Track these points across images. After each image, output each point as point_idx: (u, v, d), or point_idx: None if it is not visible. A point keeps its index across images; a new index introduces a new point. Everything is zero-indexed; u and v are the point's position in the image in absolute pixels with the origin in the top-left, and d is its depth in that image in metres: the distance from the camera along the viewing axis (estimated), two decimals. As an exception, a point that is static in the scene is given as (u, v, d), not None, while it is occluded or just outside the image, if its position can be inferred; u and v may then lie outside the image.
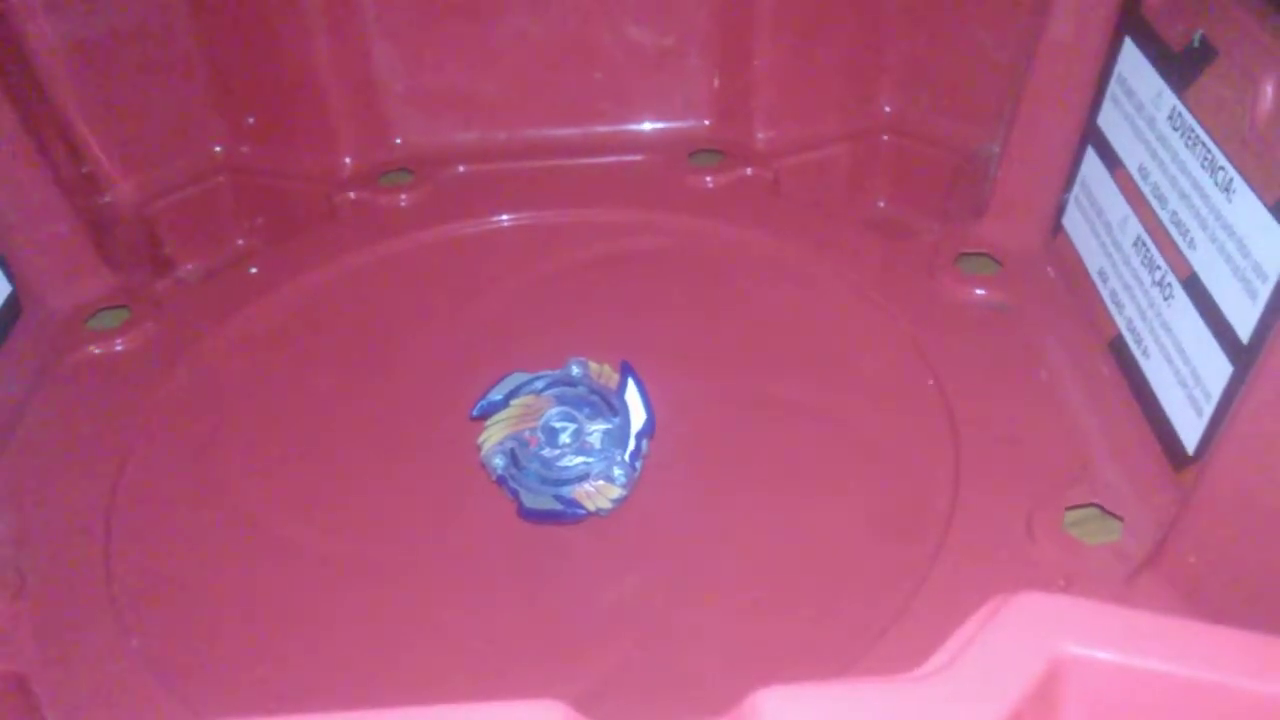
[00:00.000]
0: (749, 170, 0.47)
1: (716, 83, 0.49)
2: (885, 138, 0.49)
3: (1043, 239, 0.42)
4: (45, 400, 0.38)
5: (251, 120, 0.49)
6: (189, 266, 0.49)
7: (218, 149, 0.49)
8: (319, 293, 0.43)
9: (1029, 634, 0.18)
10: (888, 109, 0.49)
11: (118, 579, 0.32)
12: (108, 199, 0.47)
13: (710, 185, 0.47)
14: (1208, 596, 0.29)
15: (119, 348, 0.40)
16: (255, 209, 0.50)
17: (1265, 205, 0.29)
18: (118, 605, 0.31)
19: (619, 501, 0.34)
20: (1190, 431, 0.32)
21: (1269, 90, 0.29)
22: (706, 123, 0.50)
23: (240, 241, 0.50)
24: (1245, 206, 0.30)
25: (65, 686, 0.29)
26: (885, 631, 0.30)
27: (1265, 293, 0.28)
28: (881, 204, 0.50)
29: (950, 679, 0.18)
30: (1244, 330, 0.29)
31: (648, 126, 0.50)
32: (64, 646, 0.30)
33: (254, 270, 0.44)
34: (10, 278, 0.41)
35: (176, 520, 0.35)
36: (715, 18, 0.48)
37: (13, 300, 0.41)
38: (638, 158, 0.49)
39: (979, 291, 0.40)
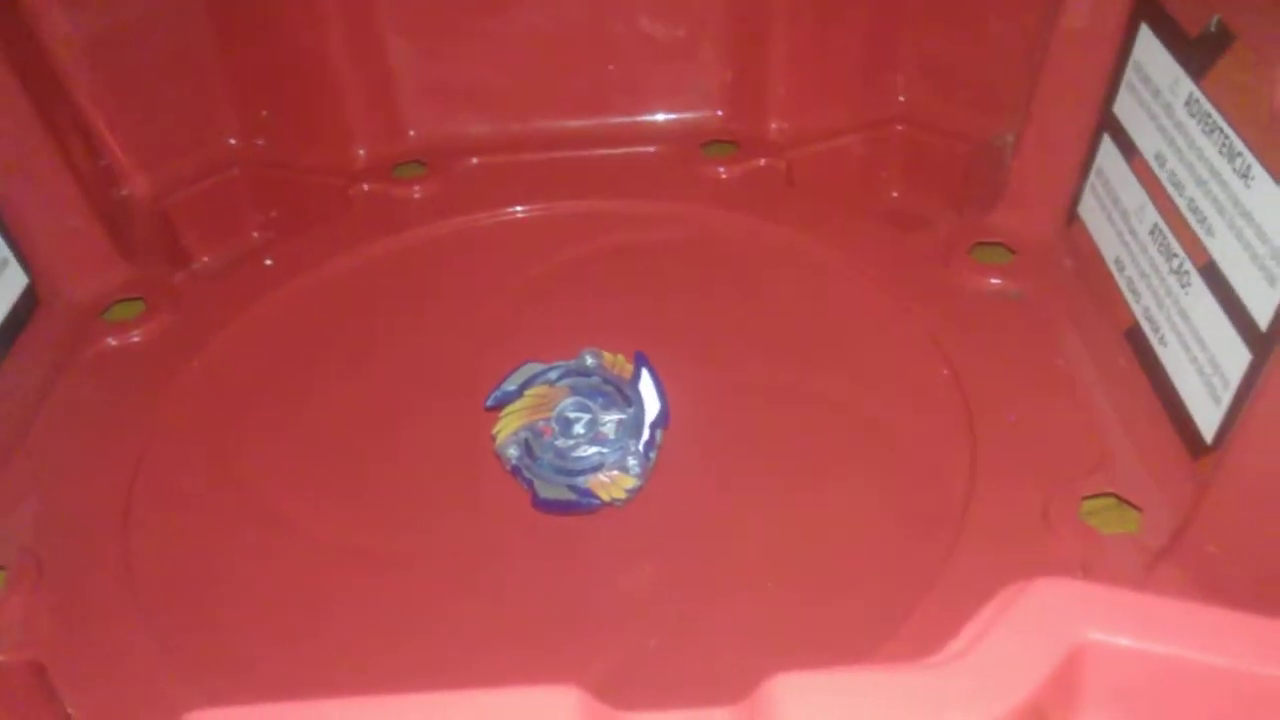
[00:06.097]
0: (762, 161, 0.47)
1: (729, 74, 0.49)
2: (899, 128, 0.49)
3: (1058, 227, 0.42)
4: (63, 391, 0.38)
5: (266, 113, 0.49)
6: (205, 259, 0.49)
7: (232, 142, 0.49)
8: (334, 285, 0.43)
9: (1049, 620, 0.18)
10: (902, 99, 0.49)
11: (135, 568, 0.33)
12: (124, 192, 0.47)
13: (723, 176, 0.47)
14: (1227, 586, 0.29)
15: (135, 339, 0.40)
16: (270, 201, 0.50)
17: (1284, 191, 0.29)
18: (135, 594, 0.32)
19: (634, 492, 0.34)
20: (1208, 420, 0.31)
21: (1288, 75, 0.29)
22: (719, 113, 0.49)
23: (255, 234, 0.50)
24: (1264, 193, 0.29)
25: (83, 675, 0.29)
26: (903, 621, 0.30)
27: (1284, 279, 0.28)
28: (895, 194, 0.50)
29: (968, 666, 0.18)
30: (1263, 318, 0.29)
31: (660, 118, 0.50)
32: (82, 635, 0.31)
33: (269, 262, 0.44)
34: (27, 270, 0.41)
35: (193, 510, 0.35)
36: (728, 8, 0.47)
37: (30, 292, 0.41)
38: (650, 149, 0.49)
39: (994, 280, 0.40)
